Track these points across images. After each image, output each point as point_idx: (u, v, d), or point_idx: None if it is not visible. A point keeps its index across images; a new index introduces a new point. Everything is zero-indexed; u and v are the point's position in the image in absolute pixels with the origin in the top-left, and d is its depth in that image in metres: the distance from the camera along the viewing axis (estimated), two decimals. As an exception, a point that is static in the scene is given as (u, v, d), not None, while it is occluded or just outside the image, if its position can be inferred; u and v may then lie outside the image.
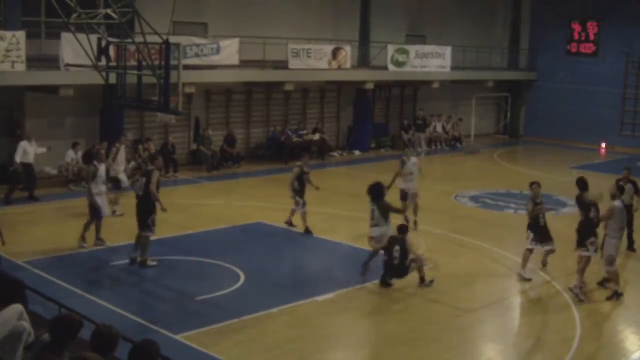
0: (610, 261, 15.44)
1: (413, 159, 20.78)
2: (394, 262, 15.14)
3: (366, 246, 18.51)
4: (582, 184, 15.93)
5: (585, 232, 15.29)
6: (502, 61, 42.69)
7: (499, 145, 40.58)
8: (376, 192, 16.34)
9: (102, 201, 17.99)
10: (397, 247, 15.20)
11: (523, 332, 13.99)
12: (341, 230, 19.54)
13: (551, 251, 16.65)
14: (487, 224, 21.42)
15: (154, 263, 16.28)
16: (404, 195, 20.28)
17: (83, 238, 17.74)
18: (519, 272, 16.39)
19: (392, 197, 19.09)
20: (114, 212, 20.44)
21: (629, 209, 17.97)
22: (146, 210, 16.16)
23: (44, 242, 18.05)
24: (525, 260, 16.37)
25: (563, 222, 17.05)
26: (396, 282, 15.72)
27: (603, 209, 15.59)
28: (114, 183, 21.21)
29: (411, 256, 15.41)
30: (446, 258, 17.98)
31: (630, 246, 18.92)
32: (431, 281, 15.54)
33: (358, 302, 14.59)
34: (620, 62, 38.82)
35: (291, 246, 18.26)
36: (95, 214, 17.84)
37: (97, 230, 17.90)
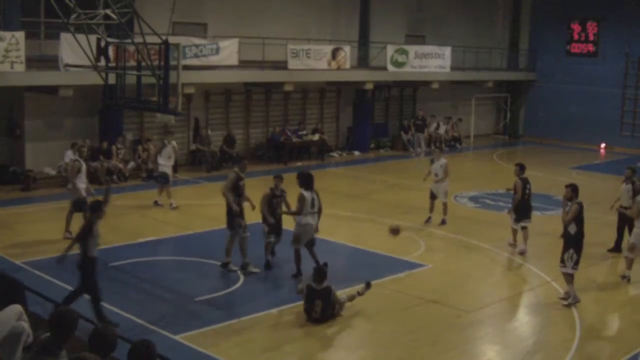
0: (632, 249, 16.44)
1: (442, 160, 21.13)
2: (313, 314, 13.58)
3: (366, 246, 18.56)
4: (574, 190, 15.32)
5: (564, 245, 15.13)
6: (501, 61, 42.70)
7: (499, 145, 40.60)
8: (309, 180, 15.95)
9: (87, 194, 18.35)
10: (317, 302, 13.52)
11: (523, 333, 13.98)
12: (340, 231, 19.52)
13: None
14: (487, 224, 21.41)
15: (235, 268, 16.11)
16: (432, 195, 21.04)
17: (68, 230, 18.14)
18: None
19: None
20: (170, 204, 21.66)
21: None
22: (228, 212, 16.18)
23: (43, 242, 18.03)
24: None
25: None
26: (394, 284, 15.76)
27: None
28: (162, 178, 22.06)
29: (337, 306, 13.97)
30: (445, 259, 17.98)
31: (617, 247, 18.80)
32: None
33: (357, 302, 14.55)
34: (620, 63, 38.83)
35: (290, 247, 18.23)
36: (78, 207, 18.07)
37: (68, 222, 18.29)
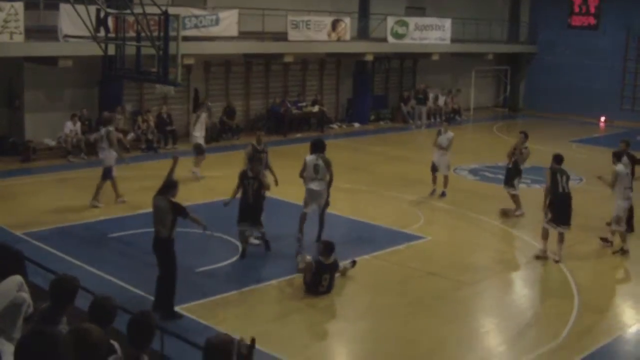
0: (618, 221, 16.36)
1: (450, 134, 21.05)
2: (320, 288, 13.66)
3: (366, 218, 18.59)
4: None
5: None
6: (502, 34, 42.52)
7: (499, 118, 40.58)
8: (315, 146, 16.32)
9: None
10: (325, 276, 13.63)
11: (521, 306, 14.04)
12: (341, 203, 19.49)
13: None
14: (486, 197, 21.42)
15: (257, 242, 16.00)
16: (433, 167, 20.98)
17: (97, 199, 18.81)
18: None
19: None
20: (194, 173, 22.12)
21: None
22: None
23: (44, 213, 18.06)
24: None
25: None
26: (394, 256, 15.83)
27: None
28: (197, 149, 22.42)
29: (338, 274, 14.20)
30: (445, 231, 18.02)
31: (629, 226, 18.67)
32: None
33: (357, 274, 14.61)
34: (621, 36, 38.67)
35: (290, 218, 18.22)
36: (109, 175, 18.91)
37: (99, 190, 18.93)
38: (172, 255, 12.27)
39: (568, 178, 16.02)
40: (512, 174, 19.22)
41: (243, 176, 15.31)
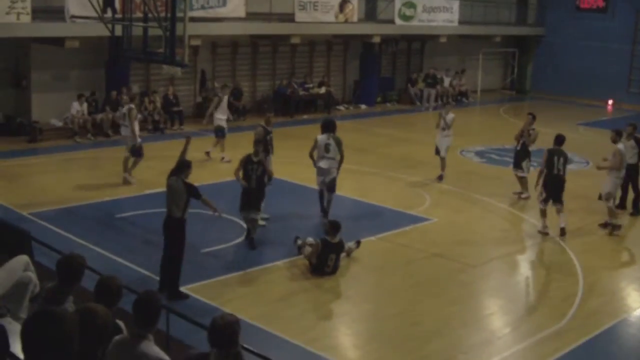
0: (608, 198, 16.64)
1: (450, 115, 20.76)
2: (326, 269, 13.69)
3: (372, 200, 18.61)
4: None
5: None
6: (510, 16, 42.31)
7: (506, 100, 40.48)
8: (326, 125, 16.63)
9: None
10: (332, 256, 13.66)
11: (526, 288, 14.09)
12: (347, 185, 19.49)
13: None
14: (493, 179, 21.43)
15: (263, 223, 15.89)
16: (437, 150, 20.82)
17: (127, 171, 19.31)
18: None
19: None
20: (222, 158, 22.03)
21: (634, 168, 17.95)
22: None
23: (50, 194, 18.12)
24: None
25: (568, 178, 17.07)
26: (399, 238, 15.87)
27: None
28: (219, 131, 22.31)
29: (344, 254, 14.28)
30: (451, 213, 18.03)
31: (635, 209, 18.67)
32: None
33: (362, 255, 14.65)
34: (630, 19, 38.44)
35: (296, 199, 18.25)
36: (136, 152, 19.30)
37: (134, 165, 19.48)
38: (182, 236, 12.34)
39: (566, 160, 16.18)
40: (521, 156, 19.20)
41: (247, 162, 15.04)
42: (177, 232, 12.33)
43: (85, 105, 24.79)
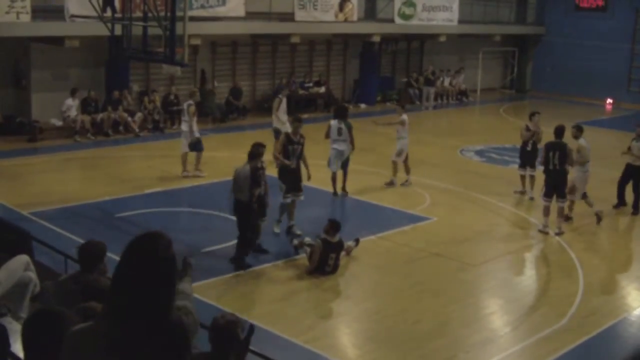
0: (573, 191, 16.91)
1: (402, 117, 20.07)
2: (326, 269, 13.66)
3: (372, 199, 18.61)
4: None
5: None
6: (510, 15, 42.32)
7: (506, 99, 40.47)
8: (339, 111, 18.66)
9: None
10: (332, 255, 13.63)
11: (526, 287, 14.08)
12: (347, 184, 19.50)
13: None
14: (492, 178, 21.42)
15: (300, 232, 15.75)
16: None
17: (186, 170, 19.86)
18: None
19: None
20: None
21: (638, 170, 17.91)
22: (280, 174, 15.81)
23: (50, 193, 18.11)
24: None
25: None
26: (399, 237, 15.86)
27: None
28: (276, 133, 21.37)
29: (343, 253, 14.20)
30: (451, 212, 18.02)
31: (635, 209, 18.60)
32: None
33: (362, 254, 14.65)
34: (630, 18, 38.42)
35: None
36: (195, 147, 19.84)
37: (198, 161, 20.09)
38: (247, 218, 13.58)
39: (563, 154, 16.06)
40: (533, 156, 18.94)
41: (287, 141, 15.59)
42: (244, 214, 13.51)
43: (77, 100, 24.46)
